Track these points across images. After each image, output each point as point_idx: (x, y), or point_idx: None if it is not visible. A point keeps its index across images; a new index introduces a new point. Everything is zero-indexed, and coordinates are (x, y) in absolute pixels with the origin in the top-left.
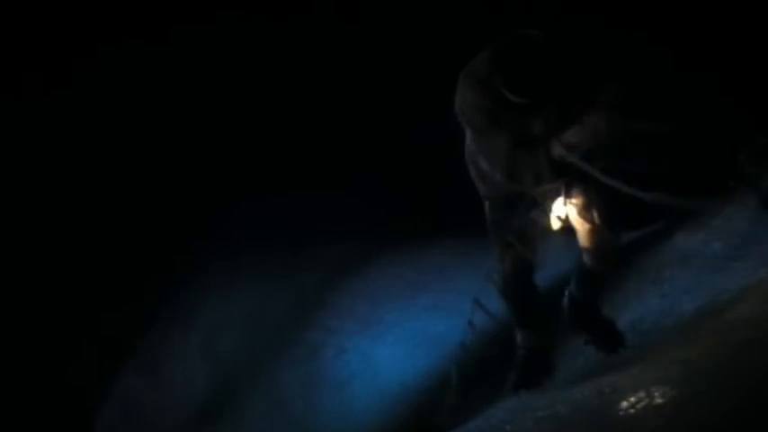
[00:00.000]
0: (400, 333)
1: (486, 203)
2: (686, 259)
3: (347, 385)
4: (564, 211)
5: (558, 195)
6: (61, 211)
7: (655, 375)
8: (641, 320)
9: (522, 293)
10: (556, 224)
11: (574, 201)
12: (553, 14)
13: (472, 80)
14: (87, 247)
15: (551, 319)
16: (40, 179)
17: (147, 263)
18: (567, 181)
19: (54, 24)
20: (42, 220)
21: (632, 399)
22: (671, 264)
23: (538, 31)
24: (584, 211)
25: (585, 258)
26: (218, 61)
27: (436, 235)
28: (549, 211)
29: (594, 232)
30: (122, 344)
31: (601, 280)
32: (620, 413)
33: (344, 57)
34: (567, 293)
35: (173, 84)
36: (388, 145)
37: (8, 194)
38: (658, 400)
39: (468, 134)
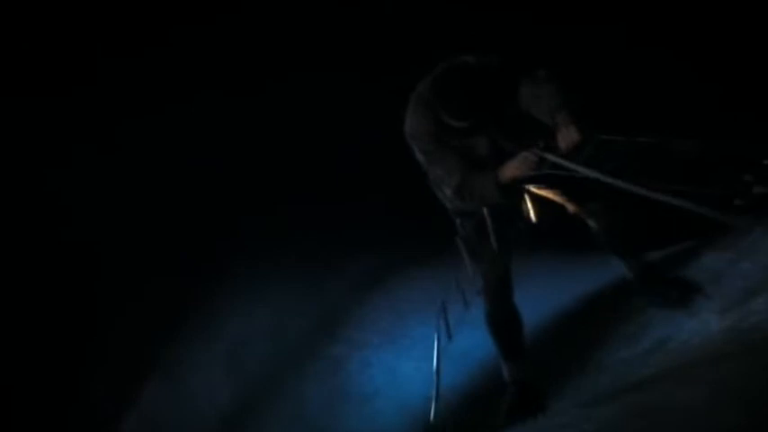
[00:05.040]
0: (425, 347)
1: (457, 221)
2: (714, 279)
3: (372, 399)
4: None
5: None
6: (84, 219)
7: (683, 395)
8: (669, 339)
9: (506, 315)
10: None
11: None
12: (554, 22)
13: (418, 106)
14: (110, 257)
15: (539, 355)
16: (55, 188)
17: (170, 274)
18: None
19: (54, 25)
20: (64, 228)
21: (660, 419)
22: (699, 283)
23: (473, 57)
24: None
25: (590, 224)
26: (239, 65)
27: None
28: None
29: (572, 199)
30: (145, 355)
31: (615, 232)
32: None
33: (360, 59)
34: (625, 272)
35: (195, 88)
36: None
37: (27, 202)
38: (687, 421)
39: (420, 158)
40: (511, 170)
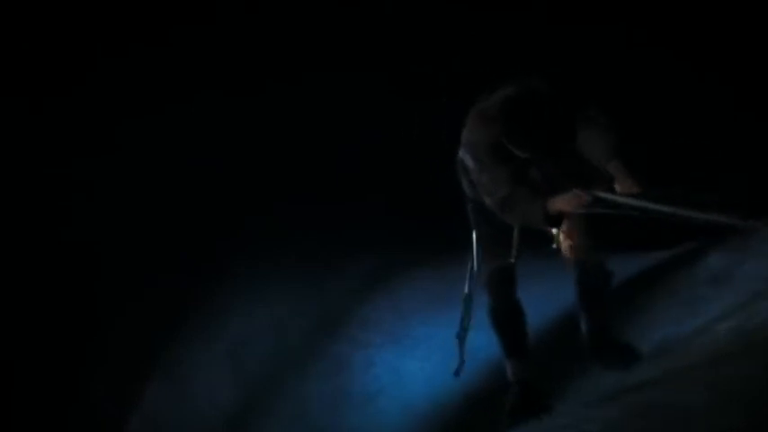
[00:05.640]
0: (430, 347)
1: (470, 206)
2: (719, 279)
3: (375, 400)
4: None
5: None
6: (84, 219)
7: (685, 396)
8: (672, 340)
9: (510, 312)
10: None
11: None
12: (553, 22)
13: (481, 121)
14: (110, 257)
15: (541, 355)
16: (55, 188)
17: (170, 274)
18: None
19: (53, 25)
20: (64, 228)
21: (662, 420)
22: (703, 283)
23: (543, 84)
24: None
25: (575, 274)
26: (239, 65)
27: (463, 247)
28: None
29: (573, 248)
30: (145, 355)
31: (598, 292)
32: None
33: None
34: (581, 325)
35: (195, 88)
36: (416, 155)
37: (27, 202)
38: (690, 422)
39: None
40: (561, 204)
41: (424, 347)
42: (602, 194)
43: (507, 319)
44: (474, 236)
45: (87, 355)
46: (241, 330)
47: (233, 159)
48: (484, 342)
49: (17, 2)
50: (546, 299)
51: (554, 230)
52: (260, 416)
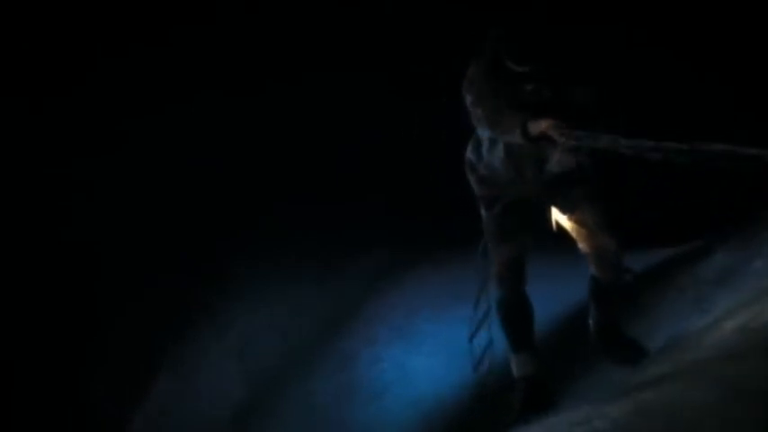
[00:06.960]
0: (436, 343)
1: (479, 203)
2: (727, 277)
3: (382, 396)
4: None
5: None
6: (84, 219)
7: (696, 395)
8: (680, 337)
9: (517, 303)
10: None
11: (567, 214)
12: (553, 22)
13: (480, 55)
14: (110, 257)
15: (550, 352)
16: (55, 188)
17: (170, 274)
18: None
19: (53, 25)
20: (64, 228)
21: (673, 417)
22: (711, 281)
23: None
24: (578, 218)
25: (591, 269)
26: (239, 65)
27: (471, 243)
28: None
29: (590, 236)
30: (145, 355)
31: (611, 289)
32: None
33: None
34: (589, 319)
35: (195, 88)
36: (423, 152)
37: (27, 202)
38: (700, 420)
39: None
40: (543, 124)
41: (431, 343)
42: (587, 134)
43: (515, 312)
44: (485, 224)
45: (87, 355)
46: (243, 330)
47: (233, 159)
48: (491, 339)
49: (17, 2)
50: (554, 296)
51: (554, 217)
52: (267, 412)
